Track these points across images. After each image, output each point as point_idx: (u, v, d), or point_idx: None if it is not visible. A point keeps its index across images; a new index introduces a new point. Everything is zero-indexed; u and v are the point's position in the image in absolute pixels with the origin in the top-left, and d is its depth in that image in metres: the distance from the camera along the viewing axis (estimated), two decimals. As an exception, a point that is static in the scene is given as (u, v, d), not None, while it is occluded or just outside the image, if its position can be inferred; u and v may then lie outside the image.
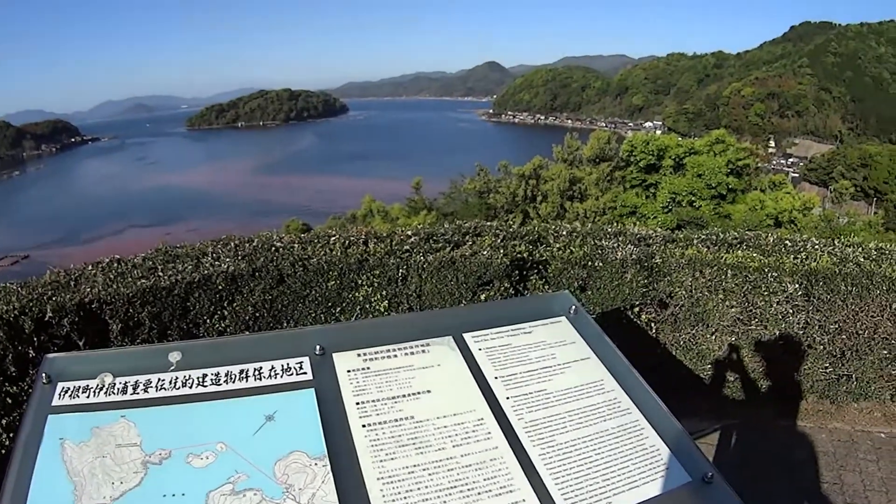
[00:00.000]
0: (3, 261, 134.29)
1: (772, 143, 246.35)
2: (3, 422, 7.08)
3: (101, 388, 3.79)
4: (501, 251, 8.31)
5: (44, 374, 3.86)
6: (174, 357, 3.82)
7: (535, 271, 8.73)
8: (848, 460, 8.36)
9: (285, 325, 8.00)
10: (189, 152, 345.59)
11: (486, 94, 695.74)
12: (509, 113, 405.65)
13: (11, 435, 7.08)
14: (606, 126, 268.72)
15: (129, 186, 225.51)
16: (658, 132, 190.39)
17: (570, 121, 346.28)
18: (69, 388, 3.78)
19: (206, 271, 7.70)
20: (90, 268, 8.19)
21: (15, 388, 7.16)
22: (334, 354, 3.88)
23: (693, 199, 56.85)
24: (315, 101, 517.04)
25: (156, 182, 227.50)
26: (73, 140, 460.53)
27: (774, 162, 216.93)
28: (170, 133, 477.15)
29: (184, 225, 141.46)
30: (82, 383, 3.79)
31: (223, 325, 7.76)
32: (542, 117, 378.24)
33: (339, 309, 8.04)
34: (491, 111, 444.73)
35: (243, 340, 4.73)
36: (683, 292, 8.90)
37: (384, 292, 8.05)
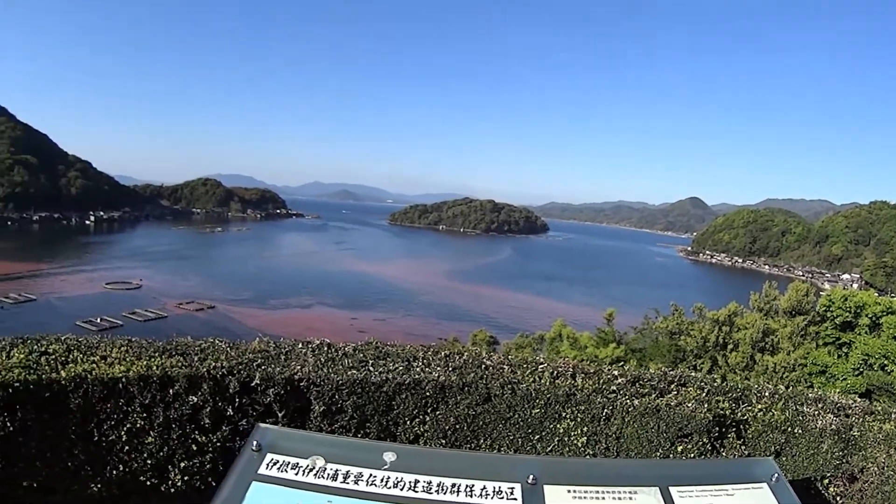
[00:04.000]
0: (189, 305, 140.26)
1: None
2: (182, 465, 7.60)
3: (312, 470, 3.91)
4: (705, 405, 8.18)
5: (254, 442, 4.03)
6: (389, 457, 3.88)
7: (734, 430, 8.44)
8: None
9: (482, 442, 8.02)
10: (387, 245, 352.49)
11: (686, 229, 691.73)
12: (707, 252, 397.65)
13: (185, 478, 7.66)
14: (803, 275, 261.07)
15: (324, 266, 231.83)
16: (854, 285, 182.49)
17: (766, 266, 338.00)
18: (278, 461, 3.93)
19: (416, 376, 7.92)
20: (300, 346, 8.53)
21: (204, 438, 7.58)
22: (545, 486, 3.87)
23: (886, 362, 54.00)
24: (517, 216, 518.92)
25: (350, 267, 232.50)
26: (278, 211, 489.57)
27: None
28: (372, 224, 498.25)
29: (370, 313, 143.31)
30: (292, 459, 3.94)
31: (422, 429, 7.89)
32: (740, 260, 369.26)
33: (537, 437, 8.06)
34: (689, 248, 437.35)
35: (458, 456, 4.82)
36: (875, 468, 8.53)
37: (585, 428, 8.04)
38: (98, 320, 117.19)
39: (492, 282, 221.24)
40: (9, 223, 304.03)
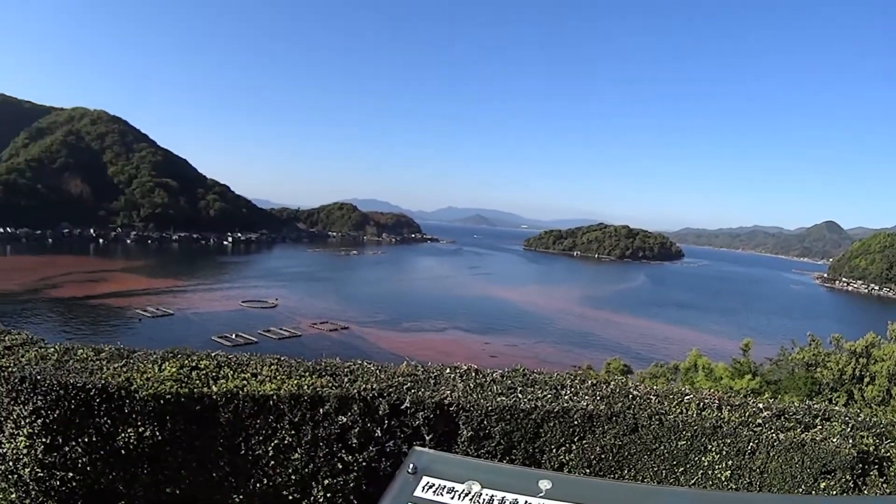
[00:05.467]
0: (323, 325, 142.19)
1: None
2: (326, 482, 7.80)
3: (467, 495, 3.95)
4: (850, 441, 7.97)
5: (410, 465, 4.09)
6: (544, 485, 3.90)
7: (877, 467, 8.17)
8: None
9: (626, 473, 7.97)
10: (521, 270, 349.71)
11: (822, 255, 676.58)
12: (843, 279, 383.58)
13: (328, 496, 7.87)
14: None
15: (458, 290, 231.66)
16: None
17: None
18: (434, 485, 3.99)
19: (565, 404, 7.93)
20: (448, 371, 8.65)
21: (350, 457, 7.78)
22: (697, 518, 3.84)
23: None
24: (651, 242, 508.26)
25: (483, 292, 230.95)
26: (413, 235, 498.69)
27: None
28: (506, 249, 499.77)
29: (503, 338, 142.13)
30: (447, 483, 3.99)
31: (567, 458, 7.90)
32: (876, 287, 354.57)
33: (682, 469, 7.95)
34: (825, 275, 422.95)
35: (613, 486, 4.81)
36: None
37: (730, 462, 7.90)
38: (233, 336, 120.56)
39: (625, 309, 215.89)
40: (149, 242, 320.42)
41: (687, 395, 8.46)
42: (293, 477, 7.81)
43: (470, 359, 10.07)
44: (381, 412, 7.71)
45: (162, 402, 7.52)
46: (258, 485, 7.89)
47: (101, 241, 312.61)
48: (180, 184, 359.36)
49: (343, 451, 7.71)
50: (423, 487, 4.02)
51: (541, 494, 3.83)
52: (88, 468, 7.57)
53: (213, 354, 8.93)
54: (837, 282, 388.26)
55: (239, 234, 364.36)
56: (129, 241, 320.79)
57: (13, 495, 8.19)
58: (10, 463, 7.90)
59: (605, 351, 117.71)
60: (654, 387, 9.07)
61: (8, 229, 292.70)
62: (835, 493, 7.76)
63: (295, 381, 7.88)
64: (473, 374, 8.54)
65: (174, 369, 8.07)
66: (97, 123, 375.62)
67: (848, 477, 7.82)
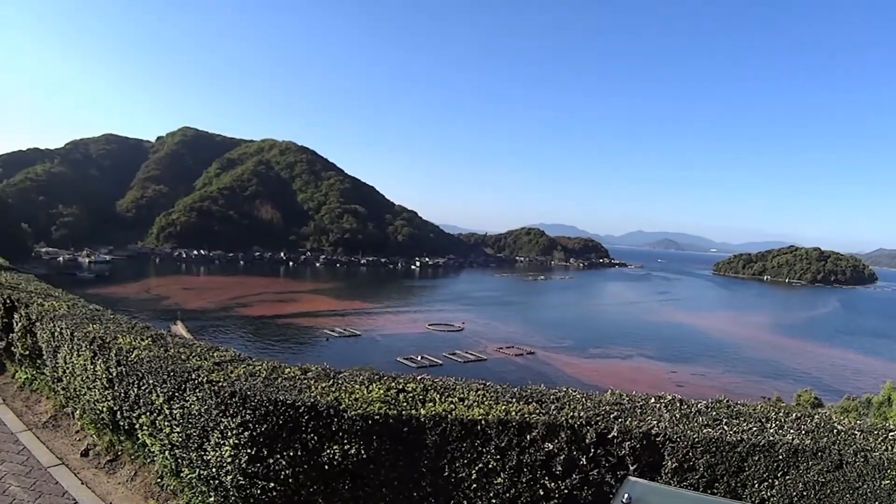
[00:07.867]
0: (509, 349, 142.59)
1: None
2: (529, 510, 7.67)
3: None
4: None
5: (625, 494, 4.24)
6: (758, 519, 3.98)
7: None
8: None
9: (827, 513, 7.67)
10: (710, 296, 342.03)
11: None
12: None
13: None
14: None
15: (645, 316, 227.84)
16: None
17: None
18: None
19: (770, 437, 7.81)
20: (653, 400, 8.72)
21: (552, 484, 7.80)
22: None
23: None
24: (844, 265, 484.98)
25: (671, 318, 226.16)
26: (601, 260, 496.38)
27: None
28: (695, 273, 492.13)
29: (690, 367, 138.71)
30: None
31: (769, 493, 7.76)
32: None
33: (887, 511, 7.63)
34: None
35: None
36: None
37: (935, 505, 7.53)
38: (419, 358, 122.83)
39: (815, 337, 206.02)
40: (338, 265, 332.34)
41: (892, 431, 8.15)
42: (494, 501, 7.94)
43: (655, 387, 10.09)
44: (587, 440, 7.76)
45: (370, 422, 7.84)
46: (457, 506, 8.06)
47: (290, 263, 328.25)
48: (368, 210, 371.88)
49: (546, 478, 7.79)
50: (640, 518, 4.13)
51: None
52: (290, 480, 7.99)
53: (419, 378, 9.25)
54: None
55: (426, 259, 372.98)
56: (318, 265, 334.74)
57: (211, 498, 8.86)
58: (213, 469, 8.49)
59: (794, 381, 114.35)
60: (857, 421, 8.79)
61: (202, 252, 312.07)
62: None
63: (502, 407, 8.09)
64: (678, 405, 8.59)
65: (381, 391, 8.43)
66: (286, 153, 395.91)
67: None
